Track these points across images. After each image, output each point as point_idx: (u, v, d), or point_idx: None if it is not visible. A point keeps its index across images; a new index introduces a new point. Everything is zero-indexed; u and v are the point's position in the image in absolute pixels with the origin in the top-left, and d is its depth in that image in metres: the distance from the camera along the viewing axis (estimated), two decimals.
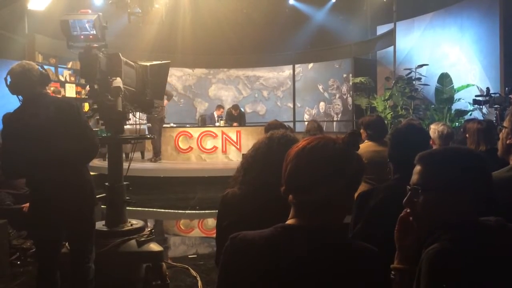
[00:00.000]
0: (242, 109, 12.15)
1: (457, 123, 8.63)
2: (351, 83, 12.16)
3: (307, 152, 1.22)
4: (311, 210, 1.20)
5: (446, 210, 1.32)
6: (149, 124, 9.32)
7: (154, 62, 3.89)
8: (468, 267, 1.21)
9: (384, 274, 1.24)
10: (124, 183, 3.53)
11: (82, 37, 3.07)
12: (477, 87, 9.12)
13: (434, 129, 3.54)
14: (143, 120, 4.42)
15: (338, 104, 13.09)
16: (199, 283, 3.68)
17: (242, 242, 1.19)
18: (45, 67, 3.58)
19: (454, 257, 1.22)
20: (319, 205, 1.19)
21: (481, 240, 1.25)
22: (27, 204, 2.98)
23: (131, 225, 3.50)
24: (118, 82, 3.19)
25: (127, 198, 3.54)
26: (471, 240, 1.25)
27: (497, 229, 1.30)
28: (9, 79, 2.73)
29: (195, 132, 10.32)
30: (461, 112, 9.01)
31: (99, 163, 8.22)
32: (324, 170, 1.19)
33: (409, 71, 9.47)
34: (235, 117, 11.28)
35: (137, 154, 10.09)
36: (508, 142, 1.92)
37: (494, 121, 5.80)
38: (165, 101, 9.35)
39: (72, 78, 10.98)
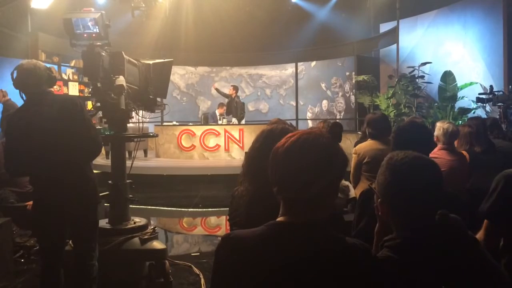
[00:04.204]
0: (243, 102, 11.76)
1: (460, 121, 8.60)
2: (354, 81, 12.15)
3: (299, 149, 1.18)
4: (304, 207, 1.18)
5: (388, 215, 1.40)
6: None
7: (157, 60, 3.89)
8: (402, 273, 1.26)
9: (378, 267, 1.24)
10: (127, 181, 3.54)
11: (85, 35, 3.07)
12: (481, 85, 9.10)
13: (440, 127, 3.56)
14: (146, 118, 4.43)
15: (341, 102, 13.07)
16: (202, 281, 3.69)
17: (235, 241, 1.18)
18: (48, 65, 3.58)
19: (390, 265, 1.28)
20: (312, 202, 1.18)
21: (418, 246, 1.30)
22: (31, 202, 2.99)
23: (134, 223, 3.51)
24: (121, 80, 3.19)
25: (130, 196, 3.54)
26: (408, 247, 1.31)
27: (438, 229, 1.33)
28: (15, 74, 2.72)
29: (198, 130, 10.33)
30: (465, 110, 8.99)
31: (102, 161, 8.25)
32: (318, 167, 1.17)
33: (412, 69, 9.45)
34: (231, 101, 11.01)
35: (140, 152, 10.12)
36: None
37: (498, 118, 5.79)
38: None
39: (75, 77, 11.01)
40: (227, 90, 11.40)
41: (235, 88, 11.17)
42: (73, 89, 10.78)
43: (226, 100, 11.29)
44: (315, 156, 1.17)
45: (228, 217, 2.02)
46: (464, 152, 3.76)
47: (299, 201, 1.18)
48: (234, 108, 10.92)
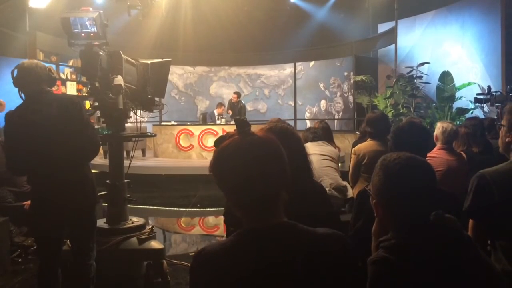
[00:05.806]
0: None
1: (458, 122, 8.62)
2: (352, 81, 12.15)
3: (246, 158, 1.13)
4: (265, 211, 1.15)
5: (383, 215, 1.42)
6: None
7: (155, 60, 3.89)
8: (399, 274, 1.27)
9: (354, 253, 1.21)
10: (125, 180, 3.54)
11: (83, 34, 3.07)
12: (479, 85, 9.12)
13: (439, 126, 3.58)
14: (144, 118, 4.42)
15: (339, 102, 13.07)
16: None
17: (206, 258, 1.15)
18: (46, 64, 3.53)
19: (386, 266, 1.29)
20: (268, 204, 1.15)
21: (413, 246, 1.31)
22: (29, 202, 2.98)
23: (132, 222, 3.51)
24: (119, 80, 3.19)
25: (128, 195, 3.54)
26: (403, 247, 1.31)
27: (434, 229, 1.34)
28: (15, 73, 2.72)
29: (196, 130, 10.32)
30: (462, 111, 9.00)
31: (100, 161, 8.23)
32: (268, 169, 1.13)
33: (410, 69, 9.46)
34: (235, 106, 11.28)
35: (138, 152, 10.11)
36: (507, 140, 1.95)
37: (496, 119, 5.80)
38: None
39: (73, 76, 11.00)
40: (226, 90, 11.48)
41: (239, 95, 11.55)
42: (71, 89, 10.77)
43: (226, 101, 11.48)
44: (263, 161, 1.13)
45: (224, 218, 2.02)
46: (462, 153, 3.78)
47: (259, 208, 1.15)
48: (238, 112, 11.10)
